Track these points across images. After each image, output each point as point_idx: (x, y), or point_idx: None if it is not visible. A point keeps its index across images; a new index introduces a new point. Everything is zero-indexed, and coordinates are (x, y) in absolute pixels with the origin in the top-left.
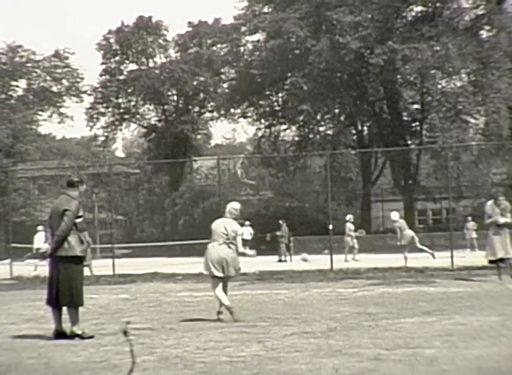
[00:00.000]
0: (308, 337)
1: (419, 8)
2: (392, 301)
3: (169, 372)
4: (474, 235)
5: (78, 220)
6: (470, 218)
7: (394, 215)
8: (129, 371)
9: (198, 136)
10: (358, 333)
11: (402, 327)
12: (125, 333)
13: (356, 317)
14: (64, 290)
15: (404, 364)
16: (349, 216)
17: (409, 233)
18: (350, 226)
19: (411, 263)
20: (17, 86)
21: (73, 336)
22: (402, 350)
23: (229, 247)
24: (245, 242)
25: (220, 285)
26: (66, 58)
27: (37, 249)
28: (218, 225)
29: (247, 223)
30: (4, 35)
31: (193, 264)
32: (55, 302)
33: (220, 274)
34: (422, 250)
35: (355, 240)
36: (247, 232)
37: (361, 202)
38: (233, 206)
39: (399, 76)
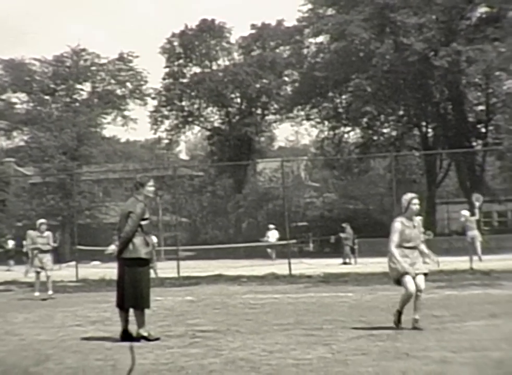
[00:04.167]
0: (375, 340)
1: (483, 9)
2: (458, 304)
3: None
4: None
5: (144, 222)
6: None
7: (464, 213)
8: (129, 371)
9: (262, 139)
10: (425, 336)
11: (469, 330)
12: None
13: (423, 320)
14: (129, 292)
15: (471, 367)
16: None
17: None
18: None
19: (477, 266)
20: (81, 90)
21: (139, 338)
22: (469, 353)
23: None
24: (270, 246)
25: None
26: (130, 61)
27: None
28: None
29: (271, 226)
30: (69, 39)
31: (257, 267)
32: (121, 303)
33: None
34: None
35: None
36: (273, 235)
37: (425, 205)
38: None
39: (463, 78)
